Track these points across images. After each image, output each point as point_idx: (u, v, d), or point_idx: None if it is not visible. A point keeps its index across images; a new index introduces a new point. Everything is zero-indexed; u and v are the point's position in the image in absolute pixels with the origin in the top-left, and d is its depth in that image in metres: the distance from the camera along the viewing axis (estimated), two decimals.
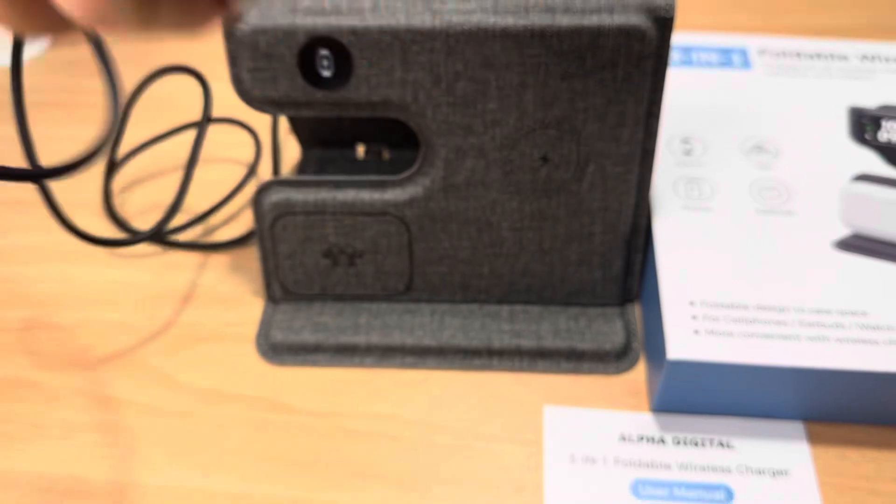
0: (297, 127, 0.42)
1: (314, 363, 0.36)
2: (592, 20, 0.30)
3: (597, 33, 0.30)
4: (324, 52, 0.31)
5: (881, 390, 0.31)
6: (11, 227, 0.43)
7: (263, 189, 0.35)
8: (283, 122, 0.47)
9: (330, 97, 0.32)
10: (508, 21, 0.30)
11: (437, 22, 0.30)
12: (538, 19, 0.30)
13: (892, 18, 0.55)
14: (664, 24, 0.30)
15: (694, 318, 0.32)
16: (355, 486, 0.32)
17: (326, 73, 0.32)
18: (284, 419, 0.34)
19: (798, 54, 0.44)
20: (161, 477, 0.32)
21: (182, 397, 0.35)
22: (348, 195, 0.35)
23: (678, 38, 0.46)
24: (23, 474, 0.33)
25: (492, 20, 0.30)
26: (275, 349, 0.36)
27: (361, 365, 0.36)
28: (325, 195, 0.35)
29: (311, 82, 0.32)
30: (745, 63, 0.44)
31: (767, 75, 0.43)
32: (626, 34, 0.30)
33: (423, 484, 0.32)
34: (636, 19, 0.30)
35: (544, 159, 0.33)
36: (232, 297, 0.39)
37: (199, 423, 0.34)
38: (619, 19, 0.30)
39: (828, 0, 0.57)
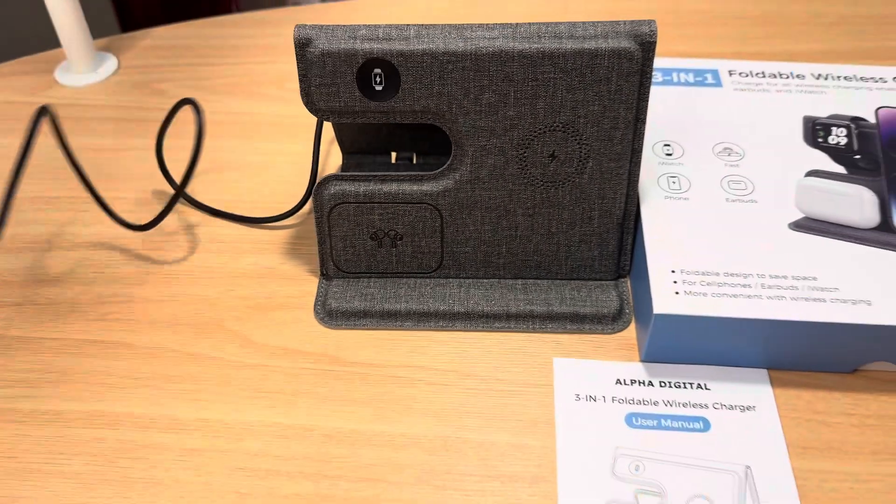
0: (342, 136, 0.49)
1: (363, 326, 0.44)
2: (591, 44, 0.38)
3: (594, 55, 0.38)
4: (377, 70, 0.39)
5: (829, 339, 0.39)
6: (96, 220, 0.50)
7: (323, 182, 0.43)
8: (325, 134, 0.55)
9: (381, 107, 0.40)
10: (525, 45, 0.38)
11: (468, 46, 0.38)
12: (549, 44, 0.38)
13: (843, 45, 0.63)
14: (648, 46, 0.39)
15: (675, 282, 0.40)
16: (402, 420, 0.39)
17: (379, 88, 0.40)
18: (341, 370, 0.42)
19: (762, 74, 0.53)
20: (243, 414, 0.40)
21: (256, 353, 0.42)
22: (392, 187, 0.42)
23: (661, 62, 0.54)
24: (124, 415, 0.40)
25: (511, 45, 0.38)
26: (330, 315, 0.44)
27: (402, 328, 0.43)
28: (373, 187, 0.42)
29: (366, 95, 0.40)
30: (717, 82, 0.52)
31: (735, 91, 0.51)
32: (618, 55, 0.38)
33: (455, 417, 0.39)
34: (626, 43, 0.38)
35: (553, 156, 0.41)
36: (292, 275, 0.47)
37: (271, 372, 0.41)
38: (612, 44, 0.38)
39: (788, 30, 0.65)
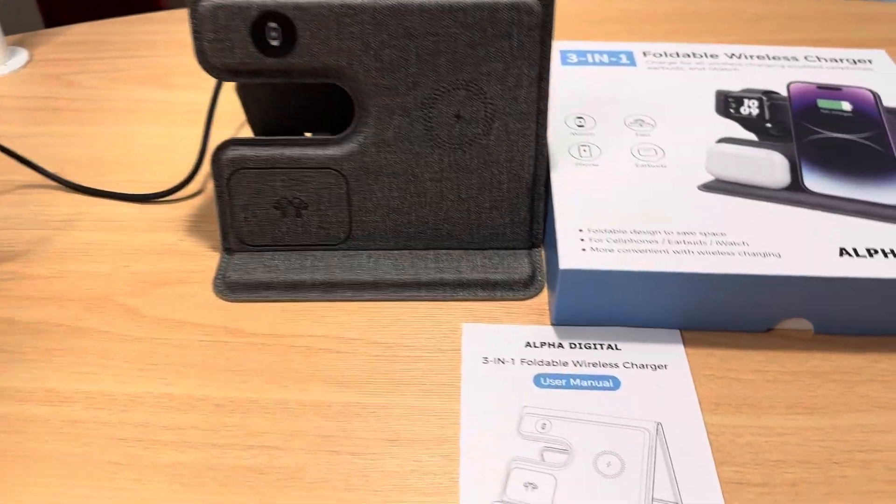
0: (251, 115, 0.48)
1: (266, 298, 0.41)
2: None
3: (494, 8, 0.38)
4: (272, 24, 0.38)
5: (740, 295, 0.38)
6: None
7: (222, 147, 0.41)
8: (223, 109, 0.54)
9: (278, 64, 0.39)
10: None
11: None
12: None
13: (758, 39, 0.65)
14: (548, 1, 0.38)
15: (582, 240, 0.39)
16: (299, 388, 0.37)
17: (275, 43, 0.38)
18: (238, 340, 0.39)
19: (676, 54, 0.53)
20: (129, 386, 0.37)
21: (147, 327, 0.40)
22: (295, 152, 0.41)
23: (577, 45, 0.54)
24: (2, 389, 0.37)
25: None
26: (230, 287, 0.42)
27: (307, 299, 0.42)
28: (274, 152, 0.41)
29: (262, 51, 0.38)
30: (632, 62, 0.52)
31: (649, 70, 0.51)
32: (518, 9, 0.38)
33: (357, 383, 0.37)
34: None
35: (458, 117, 0.40)
36: (194, 251, 0.44)
37: (162, 345, 0.39)
38: None
39: (711, 27, 0.66)
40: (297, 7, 0.38)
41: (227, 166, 0.41)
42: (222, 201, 0.42)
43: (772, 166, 0.43)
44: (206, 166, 0.50)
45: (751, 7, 0.70)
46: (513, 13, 0.38)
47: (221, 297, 0.42)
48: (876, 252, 0.38)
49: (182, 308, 0.41)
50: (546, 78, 0.40)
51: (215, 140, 0.53)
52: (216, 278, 0.42)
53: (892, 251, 0.38)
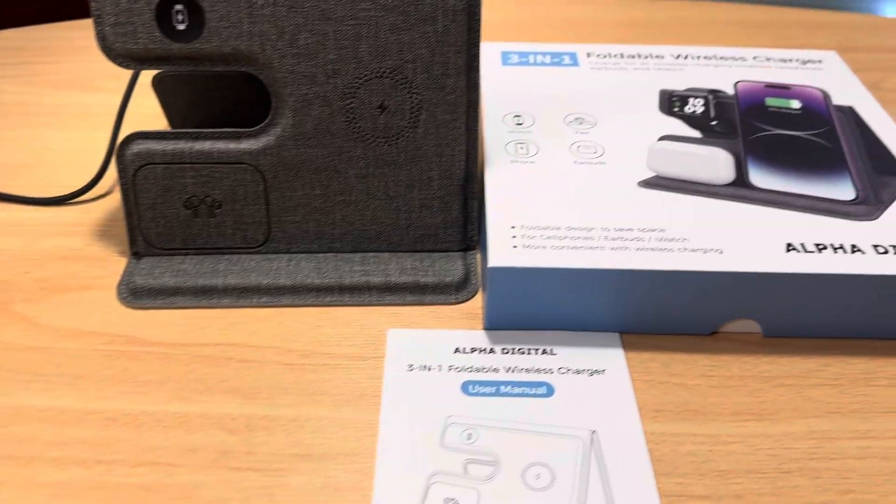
0: (171, 114, 0.45)
1: (173, 305, 0.38)
2: None
3: None
4: (178, 6, 0.35)
5: (681, 294, 0.35)
6: None
7: (126, 141, 0.38)
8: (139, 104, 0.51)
9: (185, 49, 0.36)
10: None
11: None
12: None
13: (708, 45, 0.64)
14: None
15: (514, 237, 0.36)
16: (202, 399, 0.34)
17: (181, 27, 0.36)
18: (139, 349, 0.36)
19: (620, 55, 0.51)
20: (13, 399, 0.33)
21: (41, 336, 0.36)
22: (205, 145, 0.38)
23: (519, 46, 0.52)
24: None
25: None
26: (135, 293, 0.38)
27: (219, 305, 0.38)
28: (183, 145, 0.38)
29: (167, 35, 0.36)
30: (575, 62, 0.50)
31: (593, 70, 0.49)
32: None
33: (267, 394, 0.34)
34: None
35: (382, 107, 0.38)
36: (101, 256, 0.41)
37: (55, 355, 0.35)
38: None
39: (661, 33, 0.65)
40: None
41: (132, 162, 0.38)
42: (128, 201, 0.39)
43: (715, 162, 0.41)
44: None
45: (702, 14, 0.69)
46: None
47: (125, 304, 0.38)
48: (825, 247, 0.36)
49: (82, 316, 0.38)
50: (476, 67, 0.38)
51: None
52: (120, 284, 0.39)
53: (841, 246, 0.36)
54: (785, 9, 0.71)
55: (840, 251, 0.36)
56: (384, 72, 0.37)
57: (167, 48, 0.36)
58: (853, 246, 0.36)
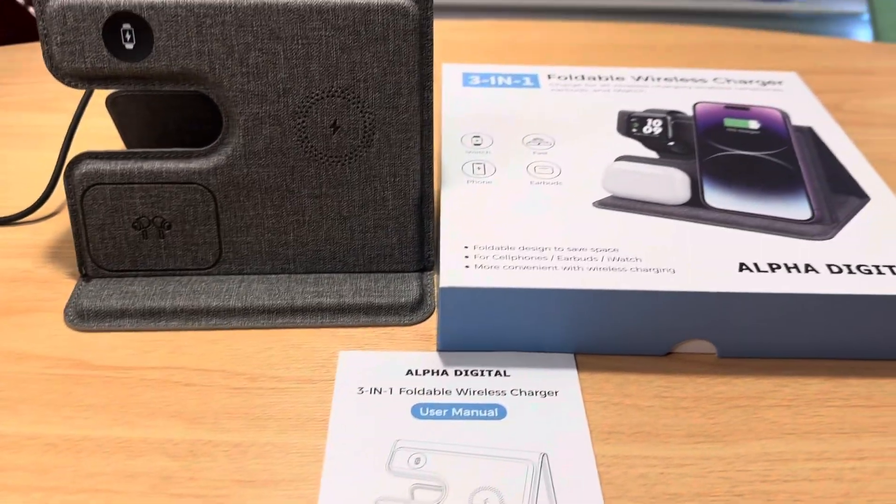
0: (126, 135, 0.45)
1: (120, 327, 0.37)
2: None
3: (367, 10, 0.35)
4: (126, 25, 0.35)
5: (635, 315, 0.35)
6: None
7: (74, 162, 0.37)
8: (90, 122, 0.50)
9: (133, 69, 0.36)
10: None
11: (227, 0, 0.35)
12: None
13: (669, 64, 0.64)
14: (424, 3, 0.36)
15: (466, 257, 0.36)
16: (144, 424, 0.33)
17: (129, 46, 0.35)
18: (83, 373, 0.35)
19: (581, 77, 0.51)
20: None
21: None
22: (154, 165, 0.37)
23: (481, 68, 0.52)
24: None
25: None
26: (82, 316, 0.37)
27: (167, 328, 0.37)
28: (131, 165, 0.37)
29: (115, 54, 0.35)
30: (535, 84, 0.50)
31: (553, 92, 0.49)
32: (392, 11, 0.36)
33: (212, 419, 0.33)
34: None
35: (334, 126, 0.37)
36: (50, 278, 0.40)
37: None
38: None
39: (626, 56, 0.66)
40: (152, 7, 0.35)
41: (80, 182, 0.37)
42: (77, 222, 0.38)
43: (671, 182, 0.41)
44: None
45: (666, 38, 0.69)
46: (387, 16, 0.36)
47: (72, 327, 0.37)
48: (778, 267, 0.36)
49: (27, 339, 0.37)
50: (429, 87, 0.38)
51: None
52: (68, 307, 0.38)
53: (795, 266, 0.36)
54: (750, 31, 0.72)
55: (794, 270, 0.36)
56: (336, 91, 0.37)
57: (115, 67, 0.36)
58: (807, 265, 0.36)
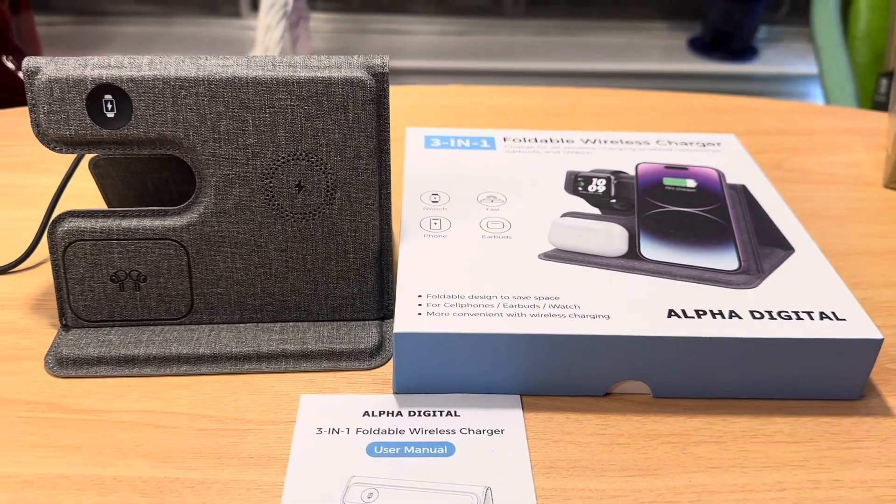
0: (107, 194, 0.48)
1: (96, 374, 0.40)
2: (325, 73, 0.39)
3: (328, 83, 0.39)
4: (107, 96, 0.38)
5: (573, 357, 0.38)
6: None
7: (57, 220, 0.40)
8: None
9: (114, 135, 0.39)
10: (258, 73, 0.39)
11: (200, 73, 0.39)
12: (282, 72, 0.39)
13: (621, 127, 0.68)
14: (380, 77, 0.40)
15: (420, 305, 0.39)
16: (117, 464, 0.35)
17: (110, 115, 0.39)
18: (60, 416, 0.37)
19: (534, 140, 0.55)
20: None
21: None
22: (131, 223, 0.40)
23: (442, 132, 0.56)
24: None
25: (245, 72, 0.39)
26: (60, 363, 0.40)
27: (140, 374, 0.40)
28: (110, 223, 0.40)
29: (97, 122, 0.39)
30: (492, 146, 0.54)
31: (508, 153, 0.53)
32: (351, 84, 0.39)
33: (179, 458, 0.35)
34: (358, 73, 0.39)
35: (299, 186, 0.41)
36: (31, 328, 0.43)
37: None
38: (345, 73, 0.39)
39: (577, 120, 0.70)
40: (132, 80, 0.38)
41: (62, 239, 0.40)
42: (58, 275, 0.41)
43: (611, 236, 0.44)
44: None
45: (619, 102, 0.74)
46: (346, 88, 0.39)
47: (51, 374, 0.40)
48: (704, 313, 0.39)
49: (8, 385, 0.39)
50: (386, 150, 0.41)
51: None
52: (48, 355, 0.41)
53: (720, 312, 0.39)
54: (700, 95, 0.77)
55: (718, 316, 0.39)
56: (301, 154, 0.40)
57: (97, 134, 0.39)
58: (731, 311, 0.39)
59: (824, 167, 0.64)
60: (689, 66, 1.80)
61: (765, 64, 1.81)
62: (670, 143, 0.56)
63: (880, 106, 1.20)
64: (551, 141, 0.55)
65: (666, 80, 1.78)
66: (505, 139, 0.55)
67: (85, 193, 0.55)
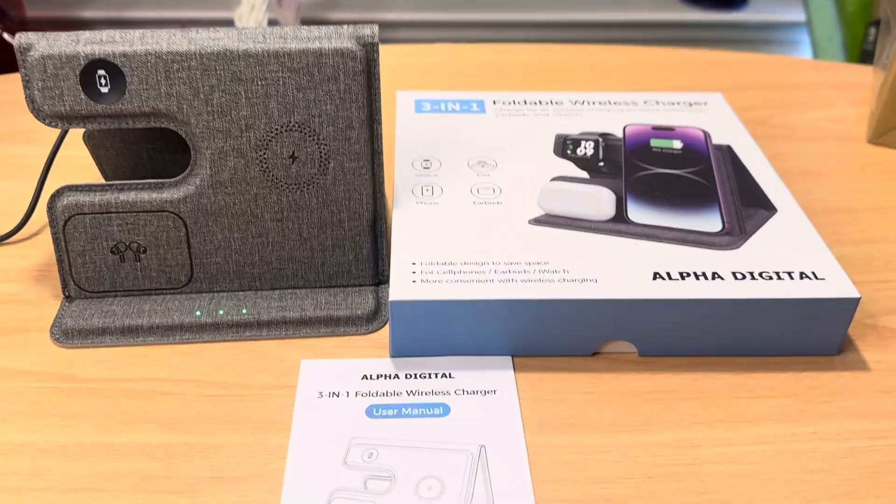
0: (102, 165, 0.48)
1: (101, 343, 0.41)
2: (315, 45, 0.40)
3: (319, 54, 0.40)
4: (101, 72, 0.39)
5: (563, 319, 0.40)
6: None
7: (56, 194, 0.41)
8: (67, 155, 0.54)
9: (108, 110, 0.40)
10: (249, 45, 0.39)
11: (192, 47, 0.39)
12: (273, 45, 0.39)
13: (608, 88, 0.69)
14: (370, 47, 0.40)
15: (414, 273, 0.40)
16: (127, 431, 0.37)
17: (104, 90, 0.39)
18: (70, 386, 0.39)
19: (524, 102, 0.56)
20: None
21: None
22: (129, 196, 0.41)
23: (432, 95, 0.57)
24: None
25: (236, 45, 0.39)
26: (66, 334, 0.41)
27: (144, 343, 0.41)
28: (109, 196, 0.41)
29: (91, 98, 0.39)
30: (482, 109, 0.55)
31: (498, 117, 0.54)
32: (342, 55, 0.40)
33: (186, 423, 0.37)
34: (348, 44, 0.40)
35: (293, 157, 0.41)
36: (35, 300, 0.44)
37: None
38: (335, 44, 0.40)
39: (567, 78, 0.70)
40: (125, 55, 0.39)
41: (61, 213, 0.41)
42: (59, 249, 0.42)
43: (599, 200, 0.45)
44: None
45: (607, 59, 0.74)
46: (337, 59, 0.40)
47: (57, 345, 0.41)
48: (688, 275, 0.40)
49: (16, 357, 0.40)
50: (377, 119, 0.42)
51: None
52: (53, 326, 0.42)
53: (703, 273, 0.41)
54: (687, 50, 0.77)
55: (702, 278, 0.40)
56: (293, 126, 0.41)
57: (92, 109, 0.39)
58: (714, 273, 0.41)
59: (810, 123, 0.65)
60: (680, 15, 1.78)
61: (755, 12, 1.79)
62: (658, 102, 0.56)
63: (868, 55, 1.21)
64: (540, 103, 0.56)
65: (657, 30, 1.77)
66: (495, 102, 0.56)
67: (78, 162, 0.55)
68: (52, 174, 0.54)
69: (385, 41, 0.67)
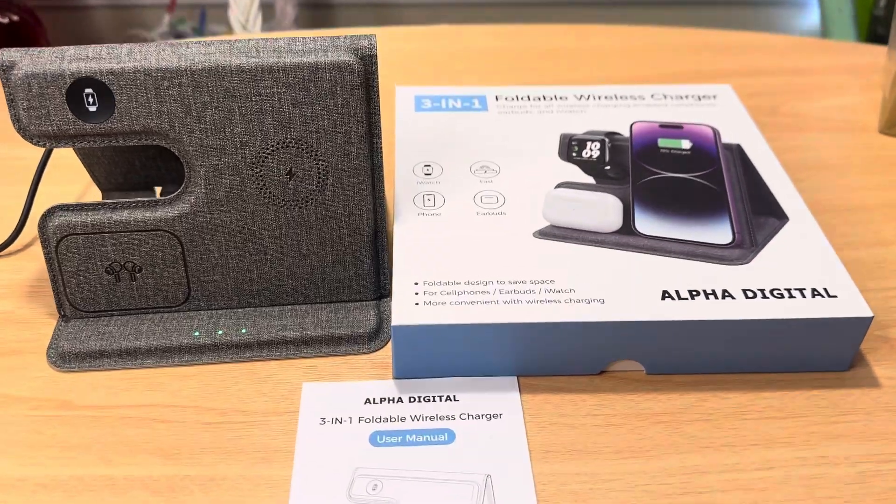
0: (94, 172, 0.47)
1: (99, 367, 0.40)
2: (311, 58, 0.38)
3: (315, 68, 0.38)
4: (88, 90, 0.37)
5: (569, 340, 0.39)
6: None
7: (47, 214, 0.40)
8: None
9: (98, 129, 0.38)
10: (242, 60, 0.38)
11: (182, 63, 0.37)
12: (267, 59, 0.38)
13: (614, 74, 0.67)
14: (369, 60, 0.39)
15: (416, 294, 0.39)
16: (127, 462, 0.36)
17: (92, 109, 0.38)
18: (67, 413, 0.38)
19: (527, 98, 0.54)
20: None
21: None
22: (123, 215, 0.40)
23: (433, 90, 0.55)
24: None
25: (228, 60, 0.37)
26: (63, 357, 0.40)
27: (143, 366, 0.41)
28: (102, 216, 0.40)
29: (80, 117, 0.38)
30: (483, 106, 0.53)
31: (500, 114, 0.52)
32: (339, 68, 0.38)
33: (187, 454, 0.37)
34: (345, 57, 0.38)
35: (290, 174, 0.40)
36: (30, 319, 0.43)
37: None
38: (332, 57, 0.38)
39: (569, 63, 0.68)
40: (112, 73, 0.37)
41: (53, 234, 0.40)
42: (53, 269, 0.41)
43: (605, 210, 0.44)
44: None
45: (612, 41, 0.72)
46: (334, 73, 0.38)
47: (54, 368, 0.40)
48: (697, 294, 0.40)
49: (12, 381, 0.40)
50: (377, 133, 0.40)
51: (51, 198, 0.51)
52: (49, 348, 0.41)
53: (713, 292, 0.40)
54: (695, 31, 0.75)
55: (712, 297, 0.39)
56: (290, 142, 0.39)
57: (80, 128, 0.38)
58: (724, 291, 0.40)
59: (820, 111, 0.63)
60: None
61: None
62: (665, 96, 0.55)
63: (878, 21, 1.18)
64: (544, 98, 0.54)
65: (662, 5, 1.72)
66: (497, 98, 0.54)
67: (65, 164, 0.54)
68: (46, 177, 0.53)
69: (387, 23, 0.65)
